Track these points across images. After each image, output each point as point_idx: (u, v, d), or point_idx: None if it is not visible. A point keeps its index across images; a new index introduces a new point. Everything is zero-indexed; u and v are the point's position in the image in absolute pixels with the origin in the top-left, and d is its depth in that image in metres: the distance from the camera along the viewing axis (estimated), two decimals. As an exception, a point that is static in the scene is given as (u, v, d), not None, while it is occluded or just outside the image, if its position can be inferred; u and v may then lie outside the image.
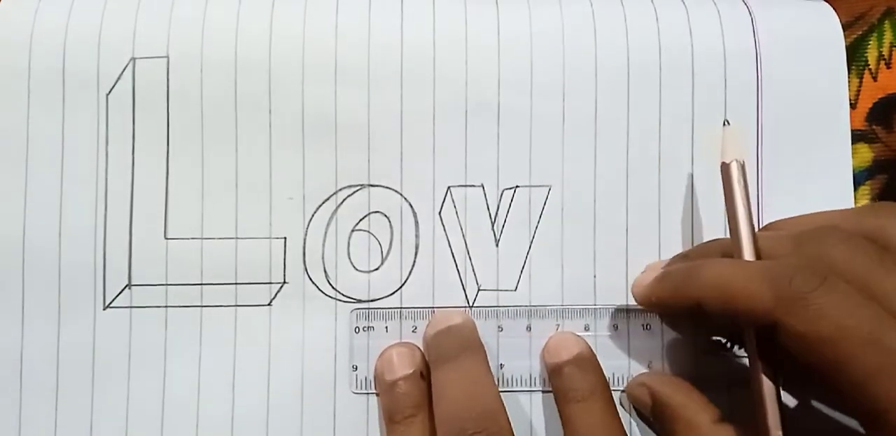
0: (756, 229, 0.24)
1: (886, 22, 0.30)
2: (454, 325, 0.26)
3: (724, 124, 0.27)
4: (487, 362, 0.25)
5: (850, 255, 0.21)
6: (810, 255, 0.21)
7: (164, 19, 0.27)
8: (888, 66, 0.30)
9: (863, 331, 0.19)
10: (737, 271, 0.21)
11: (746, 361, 0.24)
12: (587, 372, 0.25)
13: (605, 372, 0.26)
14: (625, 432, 0.24)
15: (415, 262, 0.27)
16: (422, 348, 0.27)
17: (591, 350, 0.26)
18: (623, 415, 0.25)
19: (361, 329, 0.27)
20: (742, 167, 0.24)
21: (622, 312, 0.27)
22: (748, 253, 0.23)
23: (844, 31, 0.29)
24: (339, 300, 0.27)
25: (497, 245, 0.27)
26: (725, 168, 0.25)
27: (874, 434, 0.20)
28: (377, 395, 0.26)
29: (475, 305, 0.27)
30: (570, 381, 0.24)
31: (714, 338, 0.27)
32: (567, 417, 0.24)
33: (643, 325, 0.27)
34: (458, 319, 0.26)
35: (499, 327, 0.27)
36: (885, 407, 0.19)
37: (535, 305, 0.27)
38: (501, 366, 0.27)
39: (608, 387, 0.24)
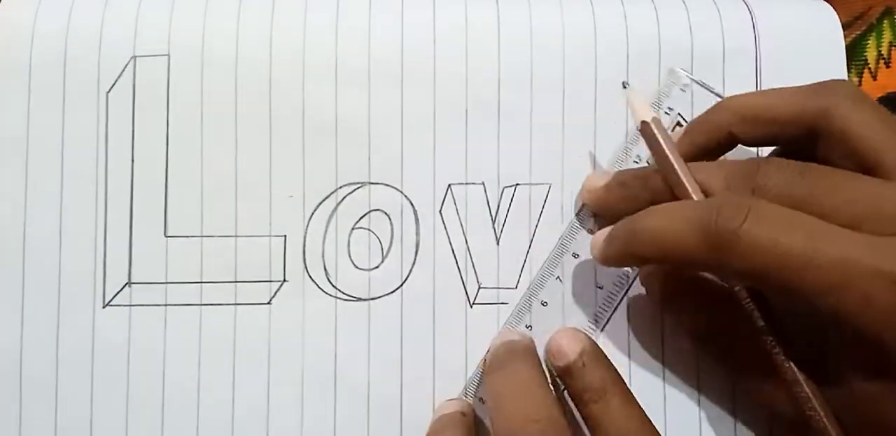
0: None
1: (885, 21, 0.30)
2: (512, 340, 0.26)
3: (623, 87, 0.27)
4: (543, 371, 0.25)
5: (776, 178, 0.21)
6: (737, 186, 0.22)
7: (164, 18, 0.27)
8: (887, 65, 0.30)
9: (798, 251, 0.19)
10: (666, 224, 0.22)
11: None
12: (596, 368, 0.24)
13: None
14: (648, 418, 0.24)
15: (415, 260, 0.27)
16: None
17: (595, 344, 0.25)
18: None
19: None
20: (659, 121, 0.25)
21: (623, 307, 0.27)
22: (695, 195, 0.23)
23: (844, 30, 0.29)
24: (340, 298, 0.27)
25: (498, 243, 0.27)
26: (646, 127, 0.25)
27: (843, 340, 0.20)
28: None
29: (476, 302, 0.27)
30: (580, 381, 0.24)
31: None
32: (589, 417, 0.24)
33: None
34: (517, 336, 0.26)
35: (499, 325, 0.27)
36: (846, 316, 0.19)
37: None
38: (502, 364, 0.27)
39: (621, 378, 0.24)
